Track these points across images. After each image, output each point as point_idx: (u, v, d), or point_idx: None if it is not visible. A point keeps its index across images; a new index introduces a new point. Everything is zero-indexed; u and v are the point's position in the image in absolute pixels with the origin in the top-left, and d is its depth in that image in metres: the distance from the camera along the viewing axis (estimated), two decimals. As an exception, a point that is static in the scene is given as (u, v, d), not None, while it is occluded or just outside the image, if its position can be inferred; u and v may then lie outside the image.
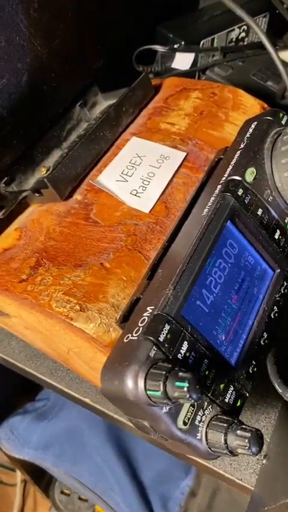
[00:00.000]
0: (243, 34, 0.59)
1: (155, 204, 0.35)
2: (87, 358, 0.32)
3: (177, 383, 0.22)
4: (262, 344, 0.31)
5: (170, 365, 0.24)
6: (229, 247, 0.31)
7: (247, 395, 0.29)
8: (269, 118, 0.36)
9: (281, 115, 0.36)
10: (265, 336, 0.31)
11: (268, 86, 0.55)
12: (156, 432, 0.26)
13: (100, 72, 0.50)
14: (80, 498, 1.01)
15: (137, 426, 0.27)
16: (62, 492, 1.01)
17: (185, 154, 0.38)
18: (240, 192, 0.32)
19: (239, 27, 0.58)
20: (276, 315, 0.32)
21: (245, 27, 0.58)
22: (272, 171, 0.34)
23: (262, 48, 0.59)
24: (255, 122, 0.36)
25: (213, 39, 0.56)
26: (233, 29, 0.57)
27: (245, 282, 0.31)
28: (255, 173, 0.33)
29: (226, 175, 0.33)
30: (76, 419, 0.65)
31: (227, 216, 0.31)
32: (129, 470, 0.63)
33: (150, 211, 0.35)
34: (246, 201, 0.32)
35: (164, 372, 0.23)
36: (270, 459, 0.35)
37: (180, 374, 0.23)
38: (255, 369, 0.30)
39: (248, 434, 0.25)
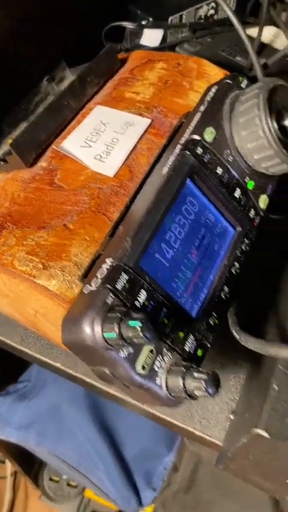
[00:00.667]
0: (212, 11, 0.60)
1: (119, 168, 0.36)
2: (53, 319, 0.33)
3: (131, 323, 0.23)
4: (223, 297, 0.32)
5: (125, 309, 0.24)
6: (189, 205, 0.32)
7: (208, 345, 0.30)
8: (228, 81, 0.36)
9: (240, 78, 0.37)
10: (226, 290, 0.32)
11: (237, 61, 0.56)
12: (117, 379, 0.27)
13: (69, 49, 0.50)
14: (68, 484, 1.01)
15: (99, 375, 0.28)
16: (50, 479, 1.02)
17: (149, 121, 0.39)
18: (199, 150, 0.32)
19: (207, 4, 0.59)
20: (238, 271, 0.33)
21: (213, 4, 0.59)
22: (231, 131, 0.34)
23: (230, 25, 0.60)
24: (216, 87, 0.36)
25: (181, 16, 0.57)
26: (201, 6, 0.58)
27: (205, 238, 0.32)
28: (214, 133, 0.34)
29: (186, 135, 0.33)
30: (57, 397, 0.66)
31: (186, 174, 0.31)
32: (112, 448, 0.63)
33: (114, 175, 0.35)
34: (205, 160, 0.32)
35: (119, 315, 0.24)
36: (238, 415, 0.36)
37: (134, 315, 0.24)
38: (216, 321, 0.31)
39: (205, 376, 0.25)
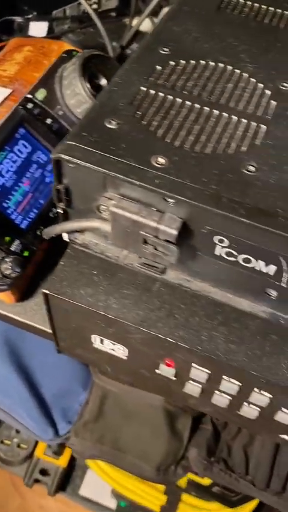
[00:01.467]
0: (95, 6, 0.70)
1: (-21, 125, 0.45)
2: None
3: None
4: (51, 216, 0.41)
5: None
6: (21, 146, 0.41)
7: (35, 249, 0.39)
8: (64, 55, 0.46)
9: (74, 52, 0.47)
10: (54, 211, 0.41)
11: (115, 47, 0.66)
12: None
13: None
14: (18, 446, 1.10)
15: None
16: (1, 442, 1.10)
17: (10, 90, 0.48)
18: (30, 105, 0.42)
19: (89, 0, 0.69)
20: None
21: (95, -1, 0.69)
22: (62, 92, 0.44)
23: (108, 18, 0.71)
24: (55, 60, 0.46)
25: (65, 10, 0.67)
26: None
27: (36, 172, 0.42)
28: (45, 93, 0.43)
29: (23, 96, 0.43)
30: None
31: (16, 122, 0.41)
32: (31, 389, 0.72)
33: (-26, 131, 0.45)
34: (35, 113, 0.42)
35: None
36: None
37: None
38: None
39: (12, 259, 0.35)
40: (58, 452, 1.08)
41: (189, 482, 0.96)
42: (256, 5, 0.37)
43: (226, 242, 0.27)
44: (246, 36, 0.34)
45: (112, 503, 1.09)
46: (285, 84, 0.31)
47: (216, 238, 0.28)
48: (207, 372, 0.33)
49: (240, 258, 0.28)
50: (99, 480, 1.08)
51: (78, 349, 0.40)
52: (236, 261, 0.28)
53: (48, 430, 0.72)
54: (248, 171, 0.26)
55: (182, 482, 0.95)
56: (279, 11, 0.37)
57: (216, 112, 0.29)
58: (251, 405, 0.35)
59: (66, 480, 1.12)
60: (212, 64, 0.32)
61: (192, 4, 0.37)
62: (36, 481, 1.09)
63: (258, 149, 0.27)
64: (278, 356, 0.31)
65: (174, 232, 0.27)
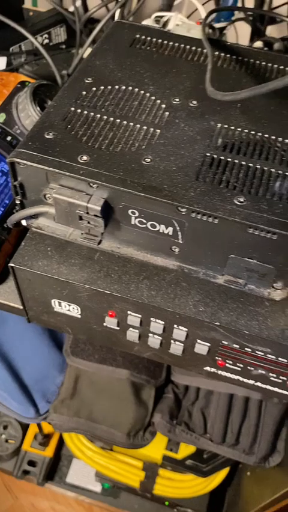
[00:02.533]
0: (46, 40, 0.82)
1: None
2: None
3: None
4: (15, 212, 0.52)
5: None
6: (-12, 159, 0.52)
7: (3, 238, 0.50)
8: (18, 85, 0.58)
9: (27, 83, 0.58)
10: (17, 208, 0.52)
11: (62, 74, 0.78)
12: None
13: None
14: (6, 441, 1.18)
15: None
16: (-10, 439, 1.18)
17: (-24, 116, 0.59)
18: (-8, 127, 0.53)
19: (41, 36, 0.81)
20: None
21: (46, 35, 0.81)
22: (18, 115, 0.55)
23: (59, 50, 0.83)
24: (13, 89, 0.58)
25: (20, 46, 0.78)
26: (36, 38, 0.80)
27: (1, 179, 0.53)
28: (5, 116, 0.55)
29: (-13, 120, 0.54)
30: None
31: (-17, 141, 0.52)
32: (13, 374, 0.82)
33: None
34: (-3, 132, 0.53)
35: None
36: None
37: None
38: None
39: (-15, 244, 0.46)
40: (44, 443, 1.17)
41: (165, 457, 1.05)
42: (159, 41, 0.50)
43: (137, 213, 0.39)
44: (150, 65, 0.46)
45: (97, 487, 1.18)
46: (176, 99, 0.43)
47: (130, 211, 0.39)
48: (139, 317, 0.44)
49: (149, 224, 0.39)
50: (84, 467, 1.17)
51: (43, 315, 0.51)
52: (146, 227, 0.40)
53: (30, 409, 0.81)
54: (145, 162, 0.38)
55: (158, 458, 1.05)
56: (176, 44, 0.49)
57: (125, 122, 0.41)
58: (176, 342, 0.45)
59: (54, 470, 1.21)
60: (123, 87, 0.44)
61: (110, 43, 0.49)
62: (25, 472, 1.17)
63: (153, 147, 0.39)
64: (186, 297, 0.42)
65: (98, 208, 0.38)
